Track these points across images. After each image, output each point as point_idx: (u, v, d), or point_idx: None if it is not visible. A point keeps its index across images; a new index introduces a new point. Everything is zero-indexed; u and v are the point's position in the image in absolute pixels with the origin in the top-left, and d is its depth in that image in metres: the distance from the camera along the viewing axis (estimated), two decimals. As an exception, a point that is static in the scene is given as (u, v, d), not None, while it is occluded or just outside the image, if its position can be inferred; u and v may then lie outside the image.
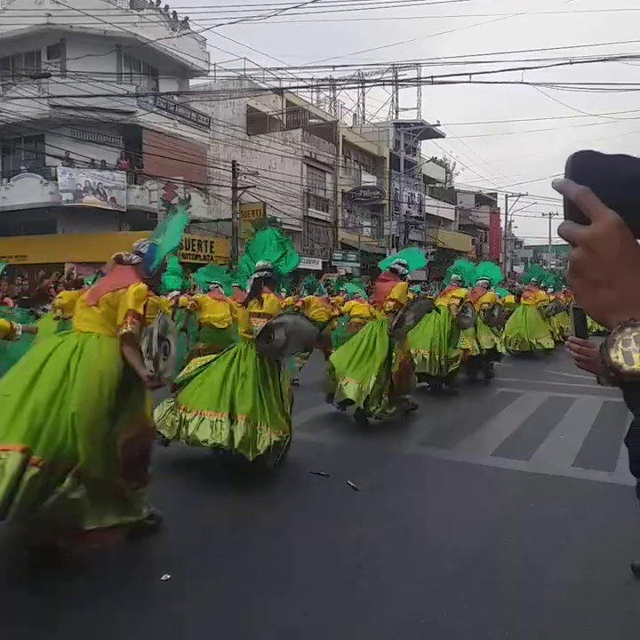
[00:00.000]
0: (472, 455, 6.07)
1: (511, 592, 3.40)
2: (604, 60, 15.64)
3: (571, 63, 15.82)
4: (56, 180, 21.08)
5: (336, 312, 10.76)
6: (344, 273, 25.67)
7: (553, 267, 68.74)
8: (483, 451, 6.22)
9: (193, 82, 27.84)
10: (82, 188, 21.19)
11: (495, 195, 53.96)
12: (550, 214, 59.49)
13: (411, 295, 8.23)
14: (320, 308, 10.92)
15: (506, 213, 52.88)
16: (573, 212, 0.70)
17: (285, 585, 3.48)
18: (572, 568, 3.69)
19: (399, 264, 7.60)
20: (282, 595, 3.36)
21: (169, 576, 3.48)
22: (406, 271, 7.63)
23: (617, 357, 0.66)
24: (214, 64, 26.26)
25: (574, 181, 0.70)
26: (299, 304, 10.84)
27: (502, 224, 54.84)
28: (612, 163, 0.71)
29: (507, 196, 50.90)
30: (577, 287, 0.71)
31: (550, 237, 63.06)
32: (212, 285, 8.73)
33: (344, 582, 3.53)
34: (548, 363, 12.90)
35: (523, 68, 16.12)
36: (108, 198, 21.79)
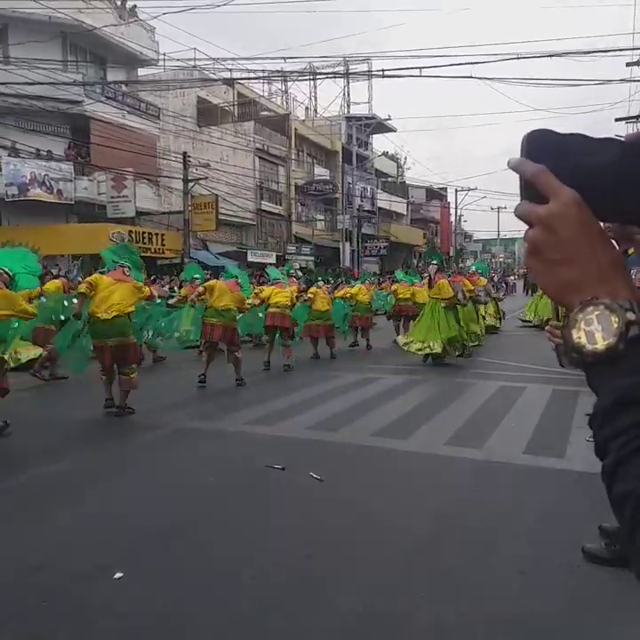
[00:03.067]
0: (426, 445, 6.13)
1: (461, 576, 3.45)
2: (551, 55, 15.98)
3: (518, 58, 16.09)
4: (0, 171, 20.41)
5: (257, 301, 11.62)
6: (298, 266, 25.64)
7: (501, 259, 70.29)
8: (436, 440, 6.29)
9: (142, 71, 27.31)
10: (27, 180, 20.55)
11: (445, 189, 54.76)
12: (498, 208, 60.73)
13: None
14: (325, 297, 12.97)
15: (456, 207, 53.76)
16: (529, 191, 0.68)
17: (238, 576, 3.45)
18: (522, 552, 3.76)
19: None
20: (235, 586, 3.34)
21: (122, 574, 3.41)
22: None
23: (579, 338, 0.65)
24: (164, 54, 25.82)
25: (530, 160, 0.68)
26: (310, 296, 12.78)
27: (452, 218, 55.67)
28: (568, 141, 0.70)
29: (456, 191, 51.75)
30: (535, 268, 0.69)
31: (498, 231, 64.42)
32: (117, 265, 8.49)
33: (296, 571, 3.53)
34: (498, 352, 13.15)
35: (472, 63, 16.32)
36: (55, 190, 21.21)
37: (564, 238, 0.66)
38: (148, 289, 8.38)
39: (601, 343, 0.63)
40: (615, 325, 0.62)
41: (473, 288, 13.83)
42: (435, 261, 11.95)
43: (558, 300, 0.69)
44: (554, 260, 0.67)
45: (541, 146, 0.70)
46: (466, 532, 4.07)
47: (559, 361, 1.99)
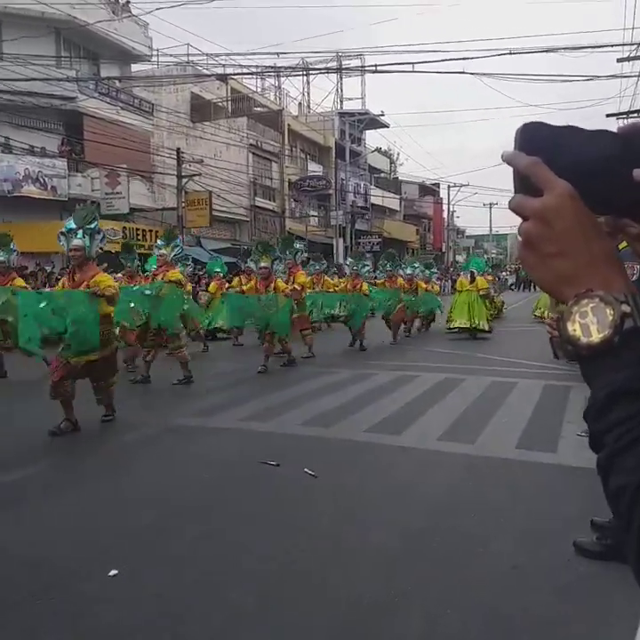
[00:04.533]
0: (418, 440, 6.18)
1: (453, 571, 3.48)
2: (544, 51, 16.00)
3: (511, 54, 16.14)
4: (-7, 167, 20.32)
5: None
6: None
7: (493, 255, 70.38)
8: (429, 436, 6.33)
9: (135, 67, 27.16)
10: (21, 177, 20.47)
11: (438, 185, 54.76)
12: (491, 204, 60.75)
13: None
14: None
15: (448, 203, 53.82)
16: (523, 184, 0.68)
17: (232, 572, 3.49)
18: (515, 547, 3.80)
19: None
20: (229, 581, 3.37)
21: (116, 571, 3.44)
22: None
23: (574, 330, 0.64)
24: (157, 49, 25.65)
25: (524, 153, 0.68)
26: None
27: (445, 214, 55.72)
28: (561, 133, 0.70)
29: (449, 187, 51.80)
30: (530, 261, 0.69)
31: (491, 227, 64.51)
32: None
33: (287, 565, 3.56)
34: (490, 347, 13.22)
35: (464, 58, 16.39)
36: (49, 187, 21.14)
37: (558, 231, 0.66)
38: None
39: (596, 336, 0.63)
40: (610, 318, 0.62)
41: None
42: (474, 267, 16.32)
43: (553, 293, 0.69)
44: (548, 252, 0.67)
45: (535, 138, 0.70)
46: (459, 526, 4.11)
47: (554, 353, 1.95)
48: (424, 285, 16.92)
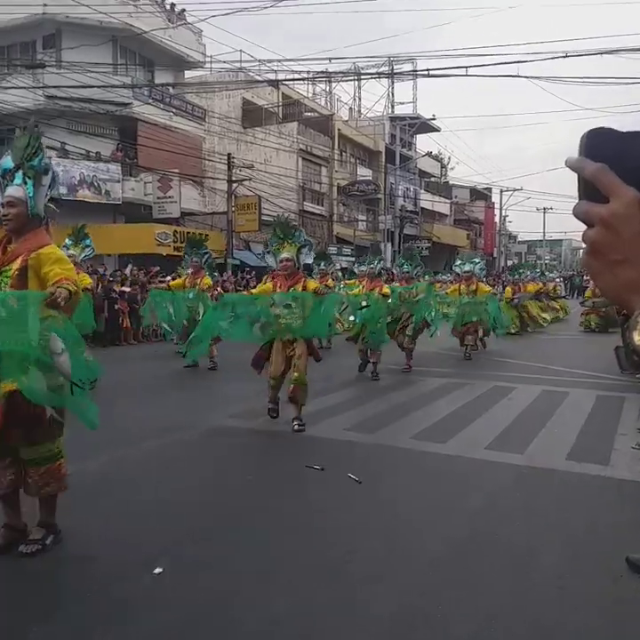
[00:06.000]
0: (466, 449, 6.08)
1: (500, 583, 3.41)
2: (600, 53, 15.63)
3: (566, 56, 15.80)
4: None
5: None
6: (339, 267, 25.63)
7: (547, 261, 69.07)
8: (477, 444, 6.22)
9: (189, 73, 27.73)
10: (76, 181, 21.06)
11: (490, 189, 54.04)
12: (544, 209, 59.59)
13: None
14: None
15: (500, 208, 53.02)
16: (589, 190, 0.67)
17: (274, 576, 3.48)
18: (562, 560, 3.69)
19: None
20: (271, 586, 3.37)
21: (162, 569, 3.48)
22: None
23: None
24: (210, 56, 26.10)
25: (589, 159, 0.67)
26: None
27: (497, 219, 54.92)
28: (629, 139, 0.69)
29: (501, 191, 51.05)
30: (595, 269, 0.68)
31: (544, 232, 63.27)
32: None
33: (334, 573, 3.53)
34: (540, 355, 12.93)
35: (518, 62, 16.09)
36: (103, 191, 21.68)
37: (625, 238, 0.64)
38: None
39: None
40: None
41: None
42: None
43: (618, 302, 0.68)
44: (614, 260, 0.66)
45: (601, 144, 0.68)
46: (505, 538, 4.02)
47: (619, 364, 1.86)
48: (487, 288, 13.76)
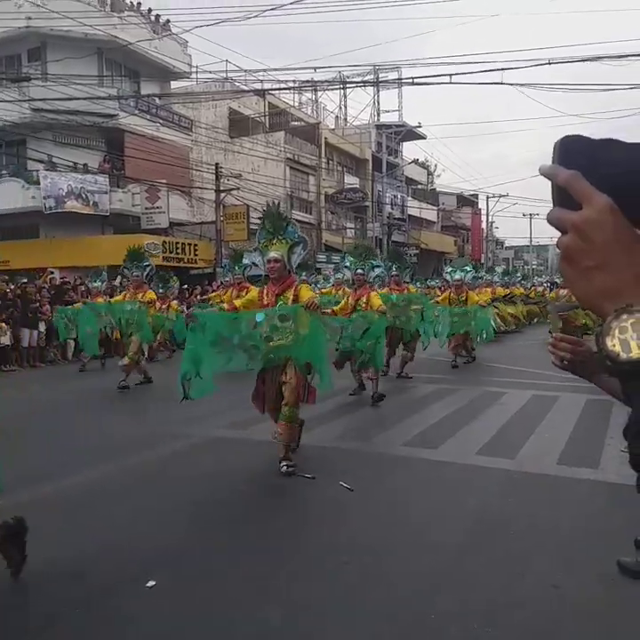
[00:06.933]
0: (457, 455, 6.10)
1: (494, 589, 3.42)
2: (583, 60, 15.80)
3: (549, 63, 15.98)
4: (38, 184, 20.91)
5: None
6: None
7: (534, 266, 69.36)
8: (468, 450, 6.25)
9: (175, 84, 27.77)
10: (64, 193, 21.02)
11: (476, 196, 54.28)
12: (531, 215, 59.93)
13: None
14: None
15: (487, 214, 53.25)
16: (562, 197, 0.68)
17: (270, 583, 3.48)
18: (555, 565, 3.71)
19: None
20: (267, 593, 3.37)
21: (154, 582, 3.46)
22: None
23: (614, 346, 0.63)
24: (196, 66, 26.16)
25: (562, 166, 0.68)
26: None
27: (484, 225, 55.17)
28: (600, 146, 0.70)
29: (488, 197, 51.25)
30: (569, 275, 0.68)
31: (531, 237, 63.59)
32: None
33: (329, 580, 3.54)
34: (528, 361, 12.98)
35: (502, 69, 16.31)
36: (91, 202, 21.65)
37: (598, 245, 0.65)
38: None
39: (636, 351, 0.62)
40: None
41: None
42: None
43: (592, 307, 0.68)
44: (588, 266, 0.66)
45: (574, 151, 0.69)
46: (498, 543, 4.04)
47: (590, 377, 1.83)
48: (477, 298, 12.84)
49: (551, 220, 0.69)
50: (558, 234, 0.69)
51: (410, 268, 11.72)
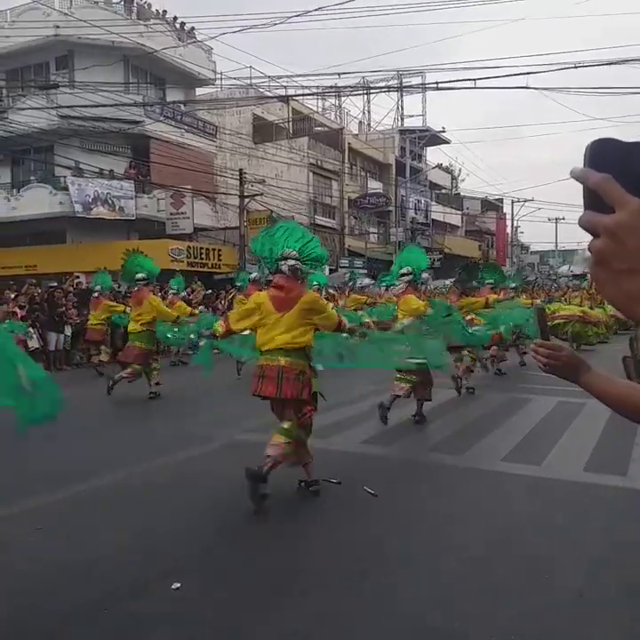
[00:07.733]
0: (483, 461, 6.05)
1: (517, 596, 3.38)
2: (610, 63, 15.64)
3: (576, 67, 15.81)
4: (65, 190, 21.22)
5: None
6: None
7: (562, 274, 68.38)
8: (494, 456, 6.19)
9: (199, 91, 28.00)
10: (91, 199, 21.31)
11: (501, 200, 53.92)
12: (556, 219, 59.35)
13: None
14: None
15: (512, 219, 52.90)
16: (594, 201, 0.67)
17: (290, 590, 3.48)
18: (581, 573, 3.66)
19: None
20: (285, 599, 3.37)
21: (180, 584, 3.48)
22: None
23: None
24: (220, 73, 26.39)
25: (594, 169, 0.68)
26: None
27: (508, 229, 54.77)
28: (633, 149, 0.69)
29: (513, 202, 50.93)
30: (601, 278, 0.68)
31: (556, 242, 62.89)
32: None
33: (350, 586, 3.53)
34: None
35: (528, 73, 16.19)
36: (117, 208, 21.91)
37: (630, 248, 0.64)
38: None
39: None
40: None
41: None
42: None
43: (624, 312, 0.68)
44: (620, 270, 0.66)
45: (605, 154, 0.69)
46: (523, 550, 3.99)
47: (627, 374, 1.82)
48: (495, 296, 11.01)
49: (583, 224, 0.69)
50: (585, 238, 0.69)
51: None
